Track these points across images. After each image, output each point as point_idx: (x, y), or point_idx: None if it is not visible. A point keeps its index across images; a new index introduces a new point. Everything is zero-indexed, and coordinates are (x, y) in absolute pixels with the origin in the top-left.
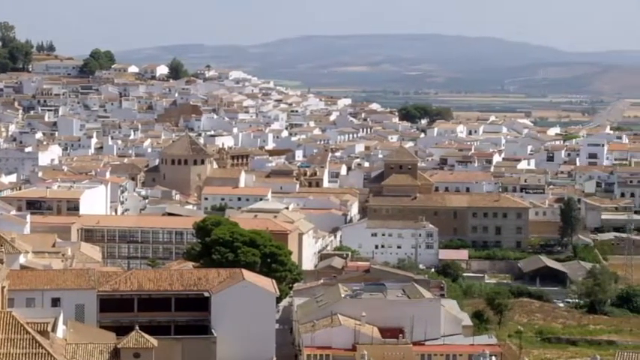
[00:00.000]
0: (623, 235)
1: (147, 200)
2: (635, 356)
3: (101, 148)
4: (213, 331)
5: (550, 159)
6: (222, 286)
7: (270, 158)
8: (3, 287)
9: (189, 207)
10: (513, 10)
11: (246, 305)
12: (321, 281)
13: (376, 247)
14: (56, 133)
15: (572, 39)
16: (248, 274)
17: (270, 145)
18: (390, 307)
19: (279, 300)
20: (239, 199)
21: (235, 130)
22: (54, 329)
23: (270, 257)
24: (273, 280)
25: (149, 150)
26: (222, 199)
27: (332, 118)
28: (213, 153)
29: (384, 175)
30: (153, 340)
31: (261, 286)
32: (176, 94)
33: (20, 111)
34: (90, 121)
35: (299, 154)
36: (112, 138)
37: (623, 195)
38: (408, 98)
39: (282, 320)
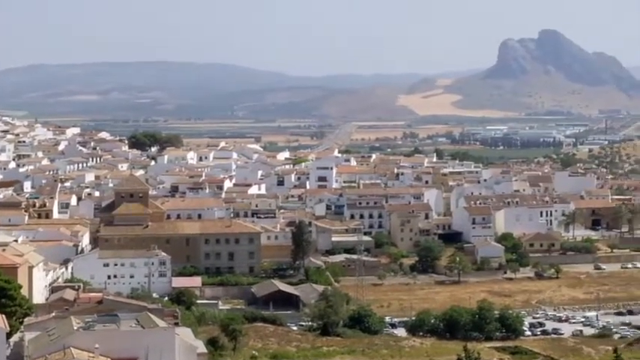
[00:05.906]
0: (354, 256)
1: None
2: None
3: None
4: None
5: (280, 183)
6: None
7: None
8: None
9: None
10: (240, 36)
11: None
12: (53, 314)
13: (109, 277)
14: None
15: (298, 64)
16: None
17: None
18: (124, 338)
19: (9, 335)
20: None
21: None
22: None
23: None
24: (3, 316)
25: None
26: None
27: (61, 147)
28: None
29: (114, 204)
30: None
31: None
32: None
33: None
34: None
35: (27, 186)
36: None
37: (352, 217)
38: (138, 126)
39: (14, 356)
